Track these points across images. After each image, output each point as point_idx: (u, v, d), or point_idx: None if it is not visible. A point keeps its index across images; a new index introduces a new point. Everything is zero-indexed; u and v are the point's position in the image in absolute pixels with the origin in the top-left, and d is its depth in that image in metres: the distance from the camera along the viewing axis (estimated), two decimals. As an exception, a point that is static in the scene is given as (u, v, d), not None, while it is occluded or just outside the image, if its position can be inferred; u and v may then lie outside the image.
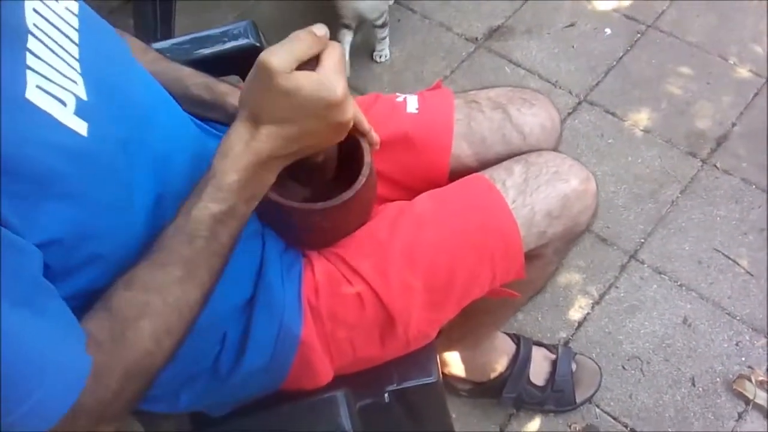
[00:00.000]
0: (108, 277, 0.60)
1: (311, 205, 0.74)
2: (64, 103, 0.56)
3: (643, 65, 1.80)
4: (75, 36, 0.62)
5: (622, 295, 1.46)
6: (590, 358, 1.35)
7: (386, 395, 0.85)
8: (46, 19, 0.61)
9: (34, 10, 0.60)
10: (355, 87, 1.78)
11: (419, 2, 1.97)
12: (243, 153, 0.62)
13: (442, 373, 1.27)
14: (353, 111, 0.64)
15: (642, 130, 1.69)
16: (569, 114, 1.72)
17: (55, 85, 0.56)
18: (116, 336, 0.56)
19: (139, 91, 0.69)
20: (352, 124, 0.66)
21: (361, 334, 0.83)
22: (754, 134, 1.67)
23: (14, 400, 0.49)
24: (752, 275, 1.46)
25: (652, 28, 1.87)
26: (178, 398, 0.78)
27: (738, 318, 1.42)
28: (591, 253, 1.51)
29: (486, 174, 0.89)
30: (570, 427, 1.31)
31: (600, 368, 1.34)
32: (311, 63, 0.61)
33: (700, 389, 1.34)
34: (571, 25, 1.90)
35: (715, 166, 1.63)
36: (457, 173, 0.92)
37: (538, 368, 1.29)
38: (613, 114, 1.73)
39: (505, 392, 1.26)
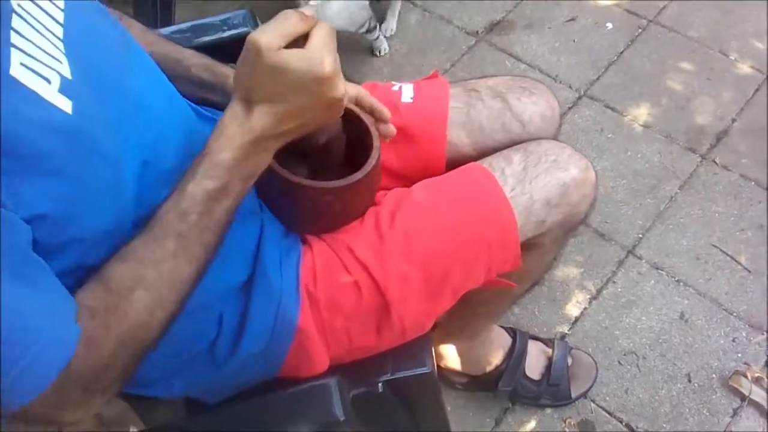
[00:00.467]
0: (97, 255, 0.60)
1: (325, 183, 0.74)
2: (48, 81, 0.56)
3: (644, 60, 1.80)
4: (60, 16, 0.62)
5: (619, 290, 1.46)
6: (586, 352, 1.35)
7: (380, 385, 0.85)
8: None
9: None
10: (355, 80, 1.77)
11: (420, -5, 1.96)
12: (237, 132, 0.62)
13: (438, 366, 1.27)
14: (345, 87, 0.64)
15: (642, 125, 1.69)
16: (569, 108, 1.72)
17: (39, 63, 0.56)
18: (110, 306, 0.57)
19: (130, 71, 0.69)
20: (346, 101, 0.65)
21: (358, 323, 0.83)
22: (754, 130, 1.66)
23: (2, 367, 0.50)
24: (750, 272, 1.46)
25: (653, 23, 1.87)
26: (173, 383, 0.78)
27: (735, 314, 1.41)
28: (589, 248, 1.51)
29: (485, 163, 0.89)
30: (565, 421, 1.30)
31: (596, 363, 1.33)
32: (300, 42, 0.61)
33: (696, 385, 1.34)
34: (572, 19, 1.89)
35: (715, 161, 1.62)
36: (456, 162, 0.92)
37: (534, 362, 1.29)
38: (613, 109, 1.72)
39: (501, 385, 1.26)
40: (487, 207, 0.85)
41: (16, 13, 0.58)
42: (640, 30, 1.86)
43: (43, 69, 0.56)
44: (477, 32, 1.88)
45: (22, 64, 0.55)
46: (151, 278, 0.59)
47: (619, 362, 1.37)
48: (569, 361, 1.31)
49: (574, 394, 1.30)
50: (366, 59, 1.84)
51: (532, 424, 1.31)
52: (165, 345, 0.63)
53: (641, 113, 1.71)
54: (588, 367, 1.32)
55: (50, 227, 0.56)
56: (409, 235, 0.83)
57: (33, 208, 0.54)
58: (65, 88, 0.57)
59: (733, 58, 1.79)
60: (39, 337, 0.52)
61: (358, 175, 0.75)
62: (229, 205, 0.64)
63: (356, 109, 0.80)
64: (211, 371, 0.78)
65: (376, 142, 0.77)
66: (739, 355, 1.37)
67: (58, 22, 0.61)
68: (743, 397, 1.31)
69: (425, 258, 0.82)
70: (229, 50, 1.07)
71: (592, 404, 1.32)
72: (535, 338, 1.32)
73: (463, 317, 1.15)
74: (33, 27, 0.58)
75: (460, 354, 1.27)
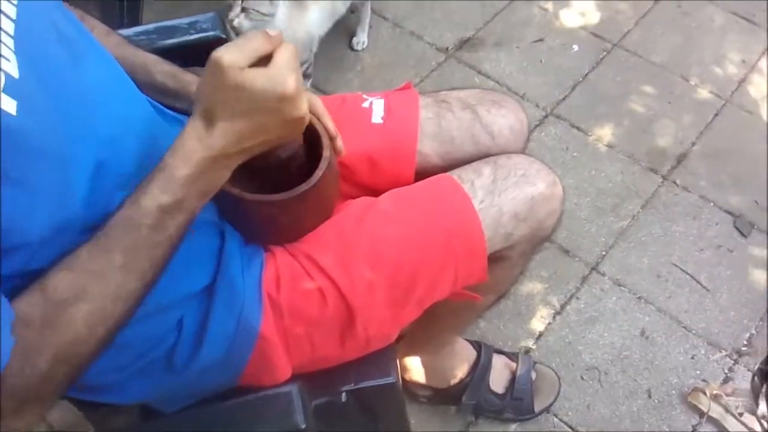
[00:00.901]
0: (43, 259, 0.58)
1: (266, 196, 0.73)
2: None
3: (609, 82, 1.84)
4: (12, 11, 0.60)
5: (582, 306, 1.47)
6: (550, 367, 1.35)
7: (343, 394, 0.83)
8: None
9: None
10: (326, 92, 1.77)
11: (392, 10, 1.98)
12: (196, 148, 0.61)
13: (403, 378, 1.26)
14: (307, 107, 0.64)
15: (606, 146, 1.72)
16: (536, 126, 1.74)
17: None
18: (48, 318, 0.55)
19: (86, 68, 0.67)
20: (308, 119, 0.65)
21: (321, 332, 0.81)
22: (712, 153, 1.71)
23: None
24: (708, 290, 1.49)
25: (617, 46, 1.92)
26: (128, 389, 0.76)
27: (694, 332, 1.44)
28: (554, 264, 1.52)
29: (454, 174, 0.89)
30: (528, 436, 1.31)
31: (559, 378, 1.34)
32: (264, 62, 0.61)
33: (656, 401, 1.35)
34: (540, 40, 1.92)
35: (675, 183, 1.66)
36: (425, 172, 0.92)
37: (499, 376, 1.29)
38: (578, 128, 1.75)
39: (465, 399, 1.26)
40: (455, 218, 0.85)
41: None
42: (605, 53, 1.90)
43: None
44: (447, 49, 1.90)
45: None
46: (94, 291, 0.57)
47: (582, 377, 1.38)
48: (533, 375, 1.31)
49: (537, 409, 1.30)
50: (336, 70, 1.84)
51: (494, 439, 1.30)
52: (120, 349, 0.61)
53: (605, 133, 1.74)
54: (551, 382, 1.33)
55: None
56: (375, 244, 0.82)
57: None
58: (10, 88, 0.54)
59: (693, 83, 1.84)
60: None
61: (303, 188, 0.73)
62: (182, 220, 0.62)
63: (313, 119, 0.79)
64: (169, 378, 0.76)
65: (326, 152, 0.76)
66: (698, 372, 1.39)
67: (9, 17, 0.59)
68: (702, 414, 1.33)
69: (391, 267, 0.82)
70: (194, 53, 1.06)
71: (555, 419, 1.33)
72: (500, 352, 1.32)
73: (429, 329, 1.14)
74: None
75: (425, 366, 1.26)
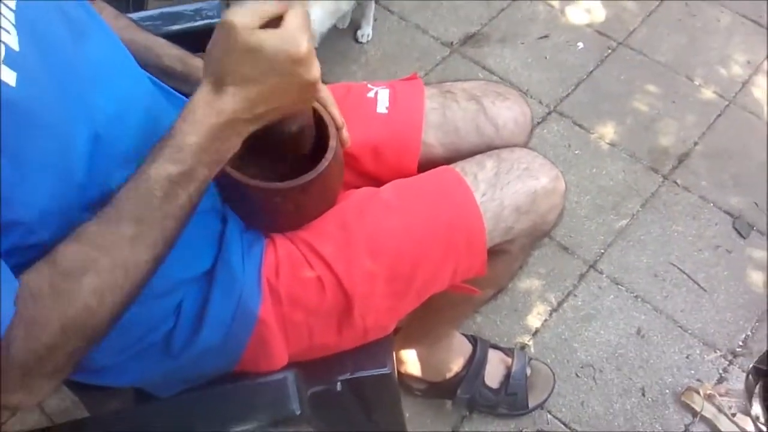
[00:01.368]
0: (41, 236, 0.57)
1: (271, 184, 0.72)
2: None
3: (613, 80, 1.84)
4: None
5: (579, 303, 1.47)
6: (545, 363, 1.36)
7: (339, 383, 0.83)
8: None
9: None
10: (329, 82, 1.76)
11: (398, 3, 1.97)
12: (205, 115, 0.60)
13: (398, 371, 1.26)
14: (319, 72, 0.63)
15: (608, 144, 1.72)
16: (538, 123, 1.74)
17: None
18: (56, 289, 0.54)
19: (89, 44, 0.66)
20: (319, 86, 0.64)
21: (319, 320, 0.81)
22: (714, 154, 1.71)
23: None
24: (706, 291, 1.49)
25: (622, 45, 1.91)
26: (125, 372, 0.76)
27: (689, 332, 1.44)
28: (552, 261, 1.52)
29: (457, 167, 0.89)
30: (521, 431, 1.31)
31: (554, 374, 1.34)
32: (275, 24, 0.60)
33: (650, 400, 1.36)
34: (545, 36, 1.92)
35: (676, 182, 1.66)
36: (428, 162, 0.92)
37: (494, 371, 1.29)
38: (580, 126, 1.75)
39: (460, 393, 1.26)
40: (456, 211, 0.85)
41: None
42: (609, 51, 1.90)
43: None
44: (452, 43, 1.90)
45: None
46: (103, 262, 0.56)
47: (577, 374, 1.38)
48: (528, 371, 1.31)
49: (531, 405, 1.31)
50: (340, 62, 1.84)
51: (488, 433, 1.31)
52: (119, 332, 0.60)
53: (607, 131, 1.74)
54: (546, 378, 1.33)
55: None
56: (375, 234, 0.82)
57: None
58: (10, 60, 0.54)
59: (697, 84, 1.84)
60: None
61: (308, 177, 0.73)
62: (193, 190, 0.61)
63: (320, 108, 0.79)
64: (167, 361, 0.75)
65: (332, 141, 0.75)
66: (693, 371, 1.39)
67: None
68: (695, 414, 1.33)
69: (391, 258, 0.82)
70: (199, 39, 1.06)
71: (548, 415, 1.33)
72: (496, 347, 1.32)
73: (426, 322, 1.14)
74: None
75: (421, 360, 1.26)
